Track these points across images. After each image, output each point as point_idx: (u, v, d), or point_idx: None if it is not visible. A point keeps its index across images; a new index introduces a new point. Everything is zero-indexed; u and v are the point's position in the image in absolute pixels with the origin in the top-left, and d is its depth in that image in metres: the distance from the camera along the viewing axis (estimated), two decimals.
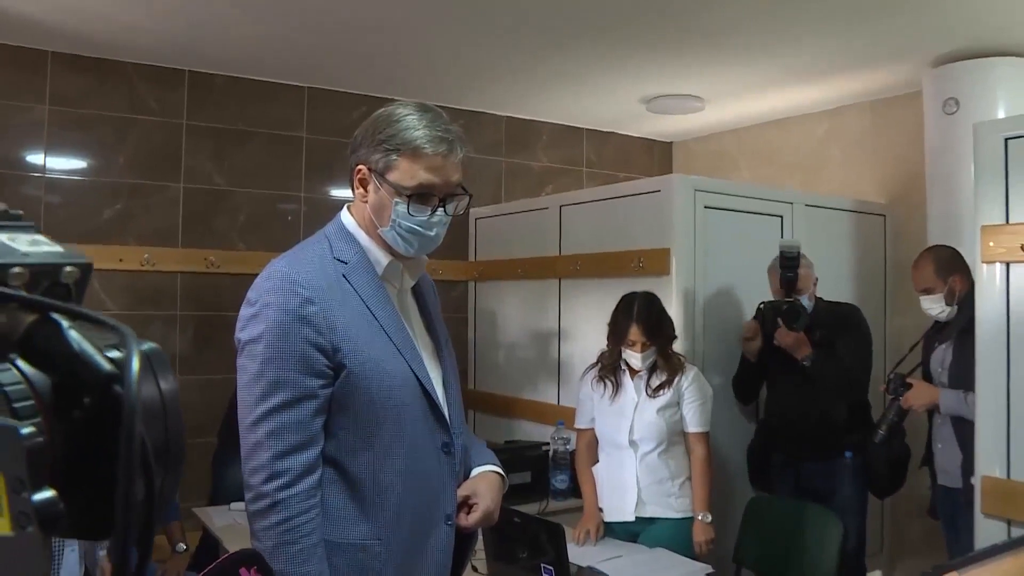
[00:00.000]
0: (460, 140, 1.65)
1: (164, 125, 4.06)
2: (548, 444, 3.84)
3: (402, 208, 1.62)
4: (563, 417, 3.76)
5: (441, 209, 1.65)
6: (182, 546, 3.43)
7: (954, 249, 3.23)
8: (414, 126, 1.61)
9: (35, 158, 3.81)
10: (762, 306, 3.40)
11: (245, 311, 1.61)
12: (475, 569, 2.68)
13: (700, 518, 2.95)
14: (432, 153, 1.61)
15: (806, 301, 3.40)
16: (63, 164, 3.87)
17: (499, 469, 1.84)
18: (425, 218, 1.64)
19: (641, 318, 3.00)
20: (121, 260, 3.91)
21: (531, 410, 4.37)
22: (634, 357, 3.01)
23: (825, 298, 3.53)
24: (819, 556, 2.96)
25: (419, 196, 1.62)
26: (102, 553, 2.71)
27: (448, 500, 1.70)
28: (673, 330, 3.10)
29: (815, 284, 3.50)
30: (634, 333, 3.00)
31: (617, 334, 3.06)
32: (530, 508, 3.53)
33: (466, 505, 1.74)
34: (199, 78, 4.13)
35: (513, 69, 4.21)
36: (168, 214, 4.06)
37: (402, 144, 1.60)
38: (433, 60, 4.03)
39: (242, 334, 1.60)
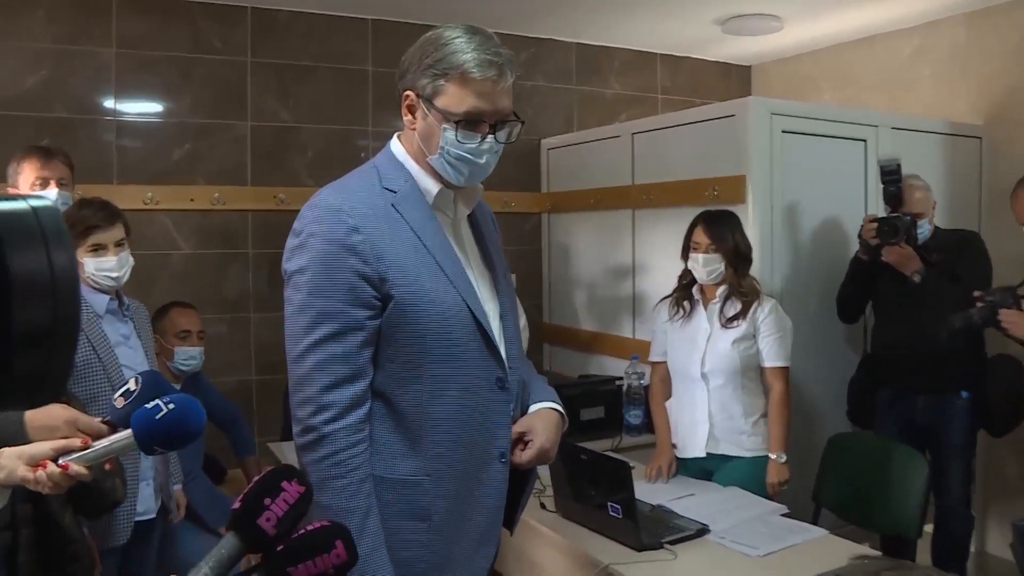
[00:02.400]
0: (510, 64, 1.57)
1: (228, 63, 4.03)
2: (622, 379, 3.78)
3: (450, 135, 1.56)
4: (638, 351, 3.68)
5: (491, 136, 1.58)
6: None
7: None
8: (462, 49, 1.53)
9: (106, 102, 3.84)
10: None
11: (291, 241, 1.58)
12: (543, 507, 2.65)
13: (774, 458, 2.84)
14: (481, 78, 1.53)
15: (926, 226, 3.20)
16: (132, 107, 3.89)
17: (558, 406, 1.78)
18: (475, 145, 1.58)
19: (707, 219, 2.92)
20: (192, 200, 3.94)
21: (606, 344, 4.31)
22: (697, 261, 2.90)
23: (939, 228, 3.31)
24: (903, 498, 2.83)
25: (468, 123, 1.56)
26: (177, 487, 2.77)
27: (502, 437, 1.65)
28: (748, 248, 2.95)
29: (934, 208, 3.29)
30: (698, 234, 2.92)
31: (685, 242, 2.98)
32: (603, 444, 3.49)
33: (521, 442, 1.69)
34: (261, 14, 4.08)
35: None
36: (236, 152, 4.06)
37: (450, 68, 1.53)
38: None
39: (288, 264, 1.57)
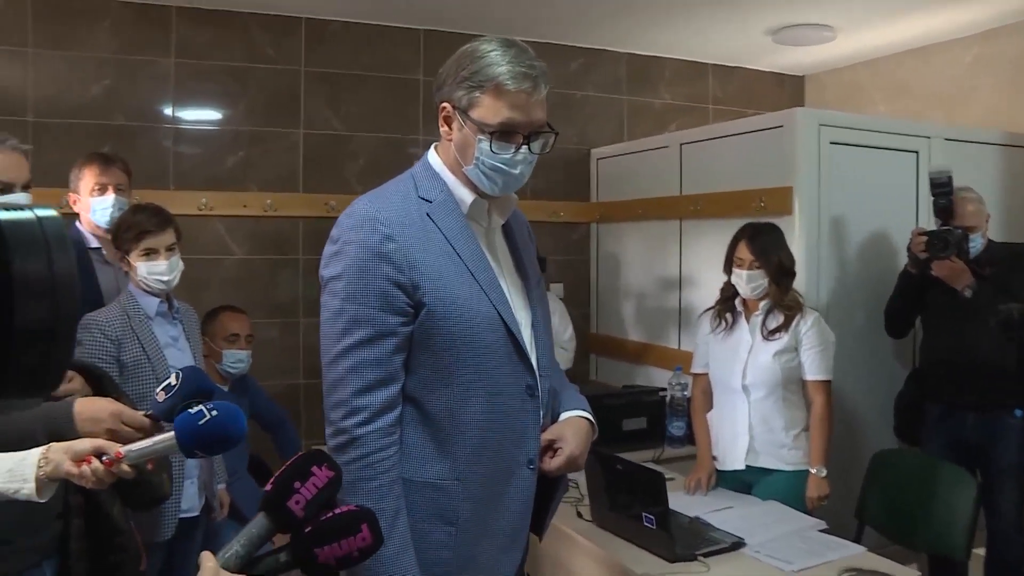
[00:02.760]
0: (544, 76, 1.60)
1: (282, 72, 4.13)
2: (665, 390, 3.77)
3: (485, 146, 1.59)
4: (683, 362, 3.66)
5: (525, 147, 1.61)
6: None
7: None
8: (497, 62, 1.57)
9: (164, 110, 3.96)
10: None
11: (328, 248, 1.63)
12: (579, 515, 2.66)
13: (815, 472, 2.80)
14: (515, 90, 1.57)
15: (978, 239, 3.14)
16: (189, 115, 4.00)
17: (588, 415, 1.79)
18: (509, 156, 1.60)
19: (751, 235, 2.90)
20: (245, 206, 4.04)
21: (652, 355, 4.29)
22: (740, 277, 2.88)
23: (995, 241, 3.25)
24: (950, 518, 2.77)
25: (503, 134, 1.59)
26: (221, 486, 2.84)
27: (531, 444, 1.67)
28: (792, 263, 2.93)
29: (988, 220, 3.23)
30: (742, 249, 2.89)
31: (728, 256, 2.96)
32: (645, 455, 3.49)
33: (551, 449, 1.70)
34: (315, 24, 4.17)
35: (633, 3, 4.03)
36: (289, 160, 4.15)
37: (485, 80, 1.57)
38: None
39: (324, 271, 1.62)
